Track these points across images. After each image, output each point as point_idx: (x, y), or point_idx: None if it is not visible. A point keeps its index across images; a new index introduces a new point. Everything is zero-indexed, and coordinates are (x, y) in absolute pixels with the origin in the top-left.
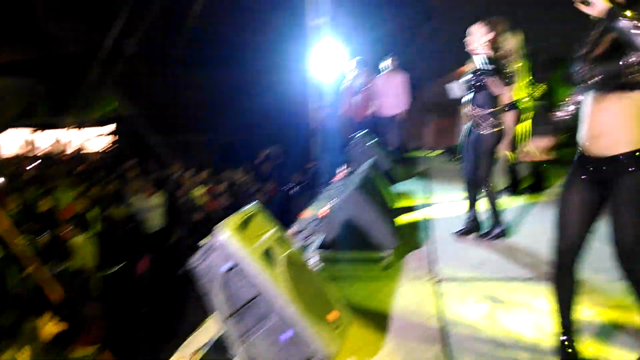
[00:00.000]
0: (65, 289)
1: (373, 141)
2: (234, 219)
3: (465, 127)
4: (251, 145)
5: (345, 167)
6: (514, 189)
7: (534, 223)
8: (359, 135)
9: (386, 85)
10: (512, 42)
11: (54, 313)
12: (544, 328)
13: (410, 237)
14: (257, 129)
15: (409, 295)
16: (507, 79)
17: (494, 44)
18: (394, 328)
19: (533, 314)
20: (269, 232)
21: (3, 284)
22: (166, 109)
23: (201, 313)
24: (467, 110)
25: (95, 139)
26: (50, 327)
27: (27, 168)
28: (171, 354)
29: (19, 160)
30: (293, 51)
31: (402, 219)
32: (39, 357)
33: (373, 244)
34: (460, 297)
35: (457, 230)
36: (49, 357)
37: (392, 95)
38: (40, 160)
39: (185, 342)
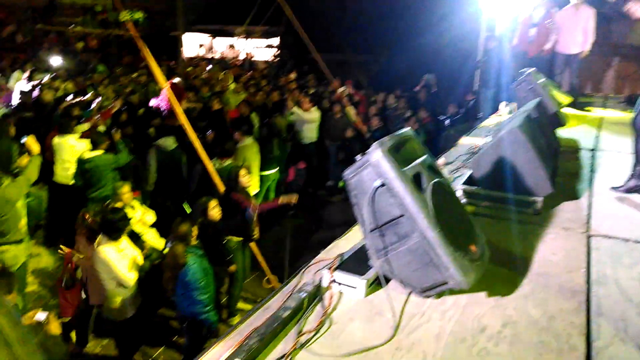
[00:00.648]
0: (226, 183)
1: (543, 79)
2: (389, 141)
3: None
4: (409, 72)
5: (508, 104)
6: None
7: None
8: (528, 71)
9: (571, 20)
10: None
11: (218, 202)
12: None
13: (569, 187)
14: (419, 56)
15: (556, 244)
16: None
17: None
18: (534, 273)
19: None
20: (420, 158)
21: (179, 170)
22: (328, 27)
23: (345, 222)
24: None
25: (261, 50)
26: (215, 213)
27: (204, 70)
28: (314, 255)
29: (197, 62)
30: None
31: (563, 166)
32: (202, 233)
33: (525, 187)
34: (612, 257)
35: (621, 186)
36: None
37: (577, 31)
38: (214, 64)
39: (329, 247)
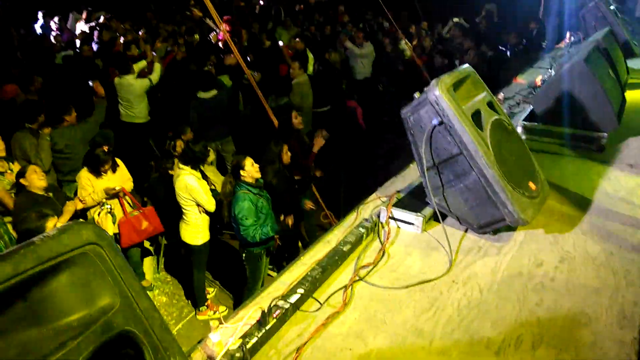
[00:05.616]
0: (281, 120)
1: (612, 7)
2: (447, 78)
3: None
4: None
5: (574, 33)
6: None
7: None
8: None
9: None
10: None
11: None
12: None
13: (637, 121)
14: None
15: (619, 181)
16: None
17: None
18: (595, 209)
19: None
20: (480, 96)
21: (236, 108)
22: None
23: (402, 159)
24: None
25: None
26: (286, 157)
27: (255, 5)
28: (370, 193)
29: None
30: None
31: (631, 99)
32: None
33: (589, 122)
34: None
35: None
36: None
37: None
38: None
39: (386, 184)
